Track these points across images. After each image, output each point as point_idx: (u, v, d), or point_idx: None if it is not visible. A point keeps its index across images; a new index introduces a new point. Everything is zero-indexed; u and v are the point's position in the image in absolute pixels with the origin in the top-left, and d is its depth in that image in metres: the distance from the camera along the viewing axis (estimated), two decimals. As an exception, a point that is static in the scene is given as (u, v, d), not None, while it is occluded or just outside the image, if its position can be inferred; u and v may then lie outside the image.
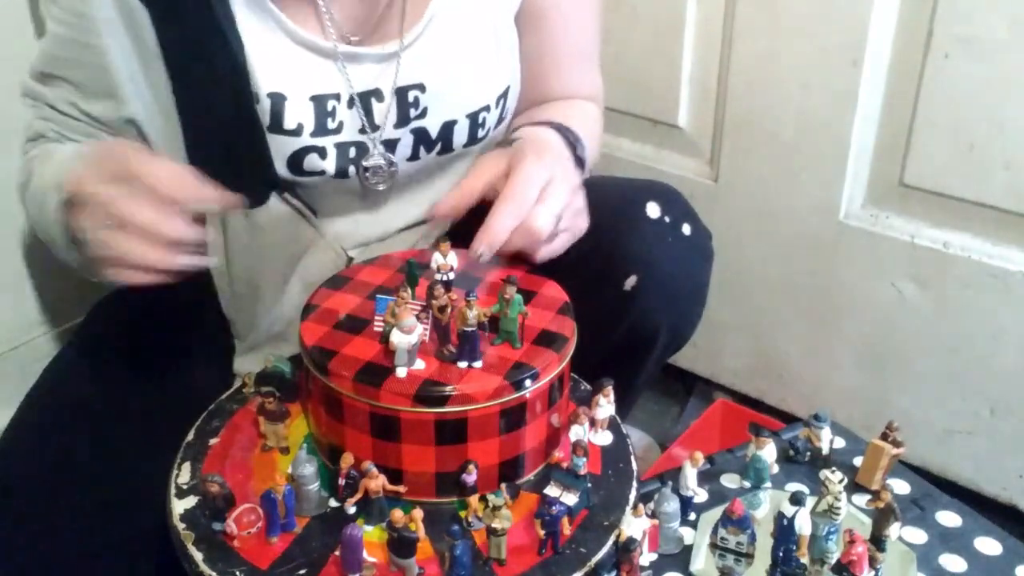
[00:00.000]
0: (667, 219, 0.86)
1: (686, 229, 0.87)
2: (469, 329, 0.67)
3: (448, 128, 0.88)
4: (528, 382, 0.68)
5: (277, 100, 0.81)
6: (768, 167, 1.25)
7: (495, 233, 0.73)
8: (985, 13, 1.02)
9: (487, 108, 0.89)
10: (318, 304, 0.76)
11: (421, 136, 0.88)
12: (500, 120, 0.93)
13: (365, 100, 0.85)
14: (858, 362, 1.28)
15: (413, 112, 0.87)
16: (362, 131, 0.85)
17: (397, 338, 0.66)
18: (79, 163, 0.72)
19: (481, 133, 0.90)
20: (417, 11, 0.86)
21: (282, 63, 0.81)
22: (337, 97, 0.84)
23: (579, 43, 0.97)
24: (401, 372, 0.67)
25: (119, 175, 0.67)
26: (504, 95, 0.91)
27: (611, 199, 0.87)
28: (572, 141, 0.87)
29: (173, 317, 0.93)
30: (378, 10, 0.85)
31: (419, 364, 0.68)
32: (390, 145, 0.87)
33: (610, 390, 0.79)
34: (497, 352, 0.70)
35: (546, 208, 0.75)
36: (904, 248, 1.17)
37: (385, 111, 0.85)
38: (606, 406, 0.79)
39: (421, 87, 0.86)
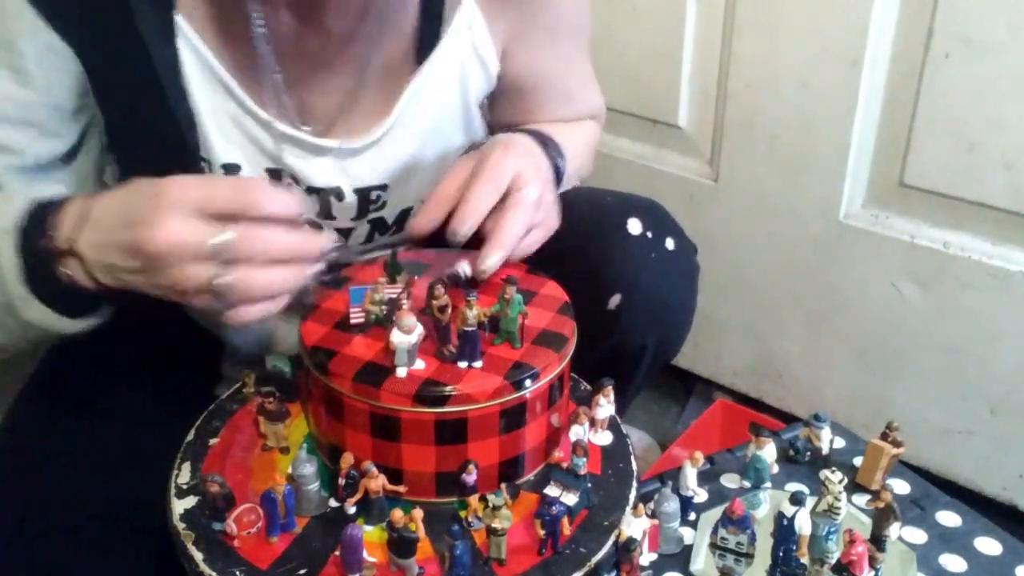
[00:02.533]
0: (649, 235, 0.85)
1: (669, 244, 0.86)
2: (469, 329, 0.67)
3: (405, 214, 0.88)
4: (528, 382, 0.68)
5: (232, 171, 0.79)
6: (768, 167, 1.25)
7: (473, 209, 0.71)
8: (985, 13, 1.02)
9: None
10: (318, 304, 0.76)
11: (377, 224, 0.88)
12: None
13: (324, 195, 0.83)
14: (858, 362, 1.28)
15: (372, 208, 0.86)
16: (319, 215, 0.84)
17: (397, 338, 0.66)
18: (92, 229, 0.63)
19: None
20: (383, 107, 0.82)
21: (238, 135, 0.79)
22: (295, 179, 0.82)
23: (573, 85, 0.95)
24: (401, 372, 0.67)
25: (225, 215, 0.60)
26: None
27: (592, 215, 0.85)
28: (545, 143, 0.84)
29: (163, 317, 0.92)
30: (337, 101, 0.82)
31: (419, 364, 0.68)
32: (344, 232, 0.86)
33: (610, 390, 0.79)
34: (497, 352, 0.70)
35: (524, 192, 0.73)
36: (904, 248, 1.17)
37: (345, 208, 0.84)
38: (606, 406, 0.79)
39: (384, 187, 0.85)
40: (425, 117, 0.85)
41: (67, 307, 0.66)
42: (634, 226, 0.84)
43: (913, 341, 1.21)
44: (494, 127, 0.96)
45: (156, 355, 0.90)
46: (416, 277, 0.77)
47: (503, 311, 0.70)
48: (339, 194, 0.83)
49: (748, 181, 1.28)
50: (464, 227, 0.71)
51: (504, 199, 0.73)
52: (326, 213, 0.84)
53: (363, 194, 0.84)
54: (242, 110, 0.78)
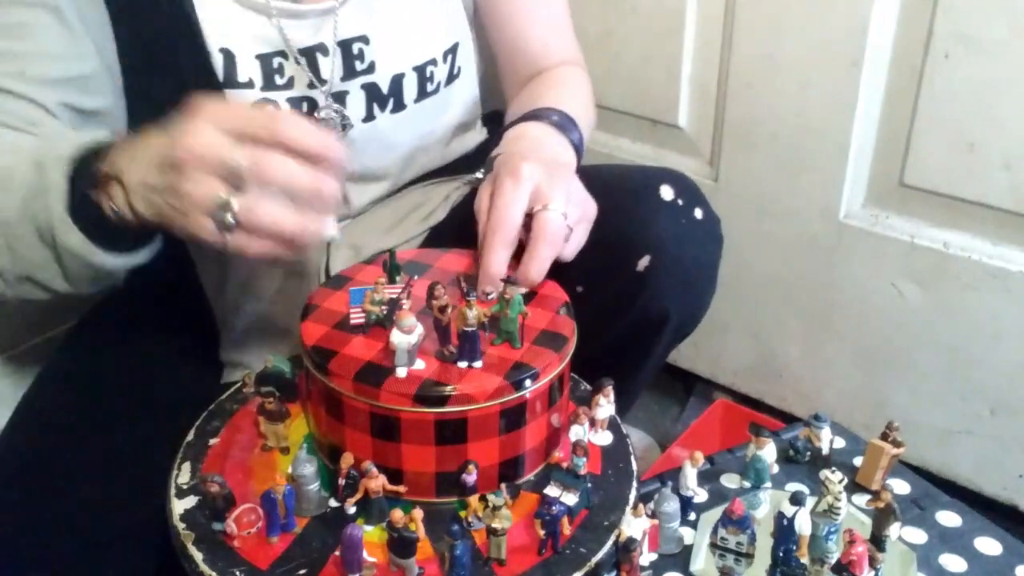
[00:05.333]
0: (680, 202, 0.86)
1: (698, 213, 0.87)
2: (469, 329, 0.67)
3: (397, 82, 0.90)
4: (528, 382, 0.68)
5: (228, 56, 0.83)
6: (768, 167, 1.25)
7: (491, 273, 0.74)
8: (985, 13, 1.02)
9: (433, 62, 0.91)
10: (318, 304, 0.76)
11: (372, 92, 0.89)
12: (452, 78, 0.95)
13: (310, 55, 0.86)
14: (858, 362, 1.28)
15: (359, 65, 0.88)
16: (311, 86, 0.86)
17: (397, 338, 0.66)
18: (129, 149, 0.65)
19: (430, 88, 0.92)
20: None
21: (227, 21, 0.83)
22: (283, 54, 0.85)
23: (551, 9, 1.01)
24: (401, 372, 0.67)
25: (248, 135, 0.61)
26: (452, 51, 0.93)
27: (625, 182, 0.87)
28: (561, 124, 0.88)
29: (160, 315, 0.93)
30: None
31: (419, 364, 0.68)
32: (340, 99, 0.88)
33: (610, 390, 0.79)
34: (497, 352, 0.70)
35: (549, 211, 0.75)
36: (904, 248, 1.17)
37: (331, 64, 0.86)
38: (606, 406, 0.79)
39: (364, 39, 0.87)
40: None
41: (105, 242, 0.67)
42: (666, 192, 0.85)
43: (913, 341, 1.21)
44: (485, 52, 1.00)
45: (156, 354, 0.90)
46: (415, 277, 0.78)
47: (503, 311, 0.70)
48: (323, 49, 0.86)
49: (748, 181, 1.28)
50: (494, 291, 0.74)
51: (531, 220, 0.76)
52: (315, 72, 0.86)
53: (345, 47, 0.87)
54: None
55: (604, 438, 0.79)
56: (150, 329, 0.92)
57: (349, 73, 0.88)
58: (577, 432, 0.76)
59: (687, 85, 1.30)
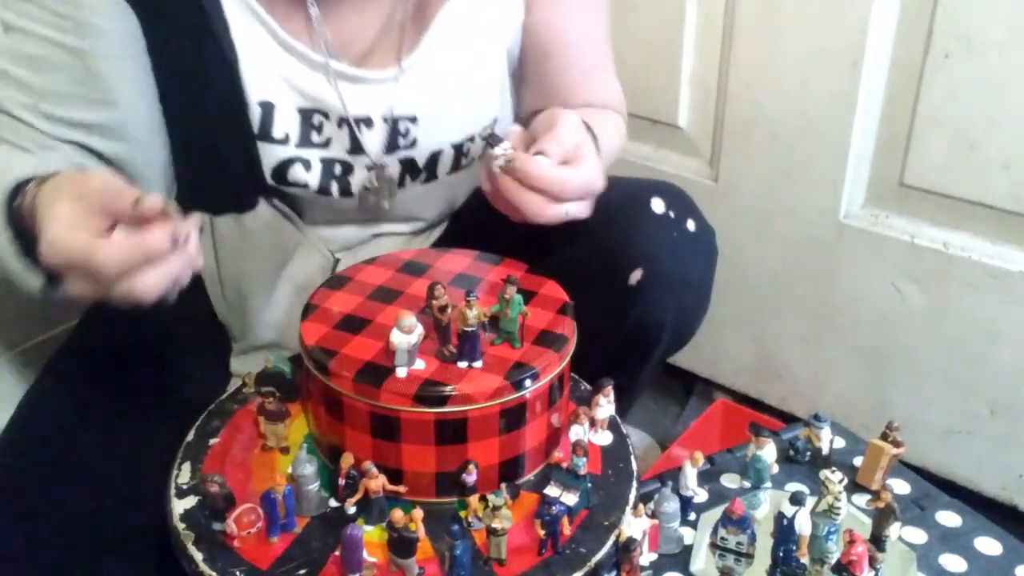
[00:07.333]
0: (672, 214, 0.86)
1: (691, 225, 0.87)
2: (469, 329, 0.67)
3: (434, 158, 0.89)
4: (528, 382, 0.68)
5: (267, 108, 0.81)
6: (768, 167, 1.25)
7: (562, 141, 0.73)
8: (985, 13, 1.02)
9: (472, 139, 0.90)
10: (318, 304, 0.76)
11: (408, 165, 0.89)
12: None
13: (356, 125, 0.85)
14: (858, 362, 1.28)
15: (403, 141, 0.87)
16: (350, 152, 0.86)
17: (397, 338, 0.66)
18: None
19: (464, 162, 0.92)
20: (414, 38, 0.86)
21: (273, 72, 0.81)
22: (326, 114, 0.84)
23: (592, 60, 0.98)
24: (401, 372, 0.67)
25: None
26: (491, 125, 0.92)
27: (616, 195, 0.86)
28: (589, 129, 0.86)
29: (170, 319, 0.93)
30: (372, 32, 0.85)
31: (419, 364, 0.68)
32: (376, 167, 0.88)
33: (610, 390, 0.79)
34: (497, 352, 0.70)
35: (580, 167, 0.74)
36: (904, 248, 1.17)
37: (375, 138, 0.86)
38: (606, 406, 0.79)
39: (413, 119, 0.86)
40: (454, 50, 0.87)
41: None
42: (657, 205, 0.85)
43: (913, 341, 1.21)
44: (522, 114, 0.97)
45: (159, 356, 0.90)
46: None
47: (503, 311, 0.70)
48: (368, 122, 0.85)
49: (748, 181, 1.28)
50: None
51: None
52: (356, 145, 0.85)
53: (392, 124, 0.86)
54: (276, 42, 0.81)
55: (604, 438, 0.79)
56: (153, 330, 0.92)
57: (391, 148, 0.87)
58: (577, 432, 0.76)
59: (687, 85, 1.30)
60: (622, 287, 0.84)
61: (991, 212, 1.10)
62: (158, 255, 0.61)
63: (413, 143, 0.87)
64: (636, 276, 0.84)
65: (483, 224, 0.83)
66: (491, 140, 0.73)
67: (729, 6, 1.21)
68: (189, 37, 0.78)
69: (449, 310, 0.69)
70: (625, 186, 0.89)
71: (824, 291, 1.27)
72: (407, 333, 0.66)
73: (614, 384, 0.80)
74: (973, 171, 1.09)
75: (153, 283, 0.62)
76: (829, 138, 1.18)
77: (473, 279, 0.79)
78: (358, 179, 0.87)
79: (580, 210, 0.75)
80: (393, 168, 0.88)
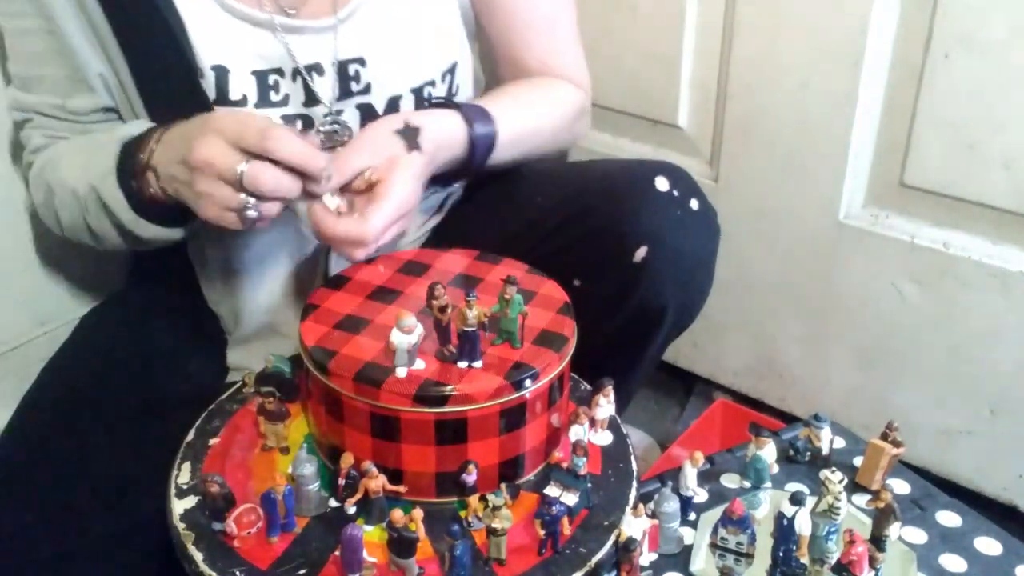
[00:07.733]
0: (676, 193, 0.87)
1: (694, 204, 0.88)
2: (469, 329, 0.67)
3: (394, 104, 0.90)
4: (528, 382, 0.69)
5: (221, 73, 0.83)
6: (768, 167, 1.25)
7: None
8: (985, 13, 1.02)
9: (431, 83, 0.91)
10: (318, 304, 0.76)
11: (367, 112, 0.89)
12: (450, 97, 0.94)
13: (307, 73, 0.86)
14: (858, 362, 1.27)
15: (355, 86, 0.88)
16: (306, 104, 0.87)
17: (397, 338, 0.66)
18: (164, 146, 0.76)
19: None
20: None
21: (222, 36, 0.83)
22: (279, 71, 0.85)
23: (541, 19, 0.99)
24: (401, 372, 0.67)
25: (244, 147, 0.71)
26: (451, 71, 0.92)
27: (620, 174, 0.88)
28: (470, 118, 0.87)
29: (166, 316, 0.93)
30: None
31: (419, 364, 0.68)
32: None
33: (610, 390, 0.79)
34: (497, 352, 0.70)
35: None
36: (904, 248, 1.17)
37: (327, 85, 0.87)
38: (606, 406, 0.79)
39: (361, 61, 0.87)
40: None
41: (149, 215, 0.80)
42: (661, 183, 0.86)
43: (913, 341, 1.21)
44: (484, 62, 0.99)
45: (159, 355, 0.90)
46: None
47: (503, 311, 0.70)
48: (319, 69, 0.86)
49: (748, 181, 1.28)
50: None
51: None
52: (309, 94, 0.86)
53: (342, 67, 0.87)
54: (220, 6, 0.83)
55: (604, 438, 0.79)
56: (153, 330, 0.92)
57: (344, 94, 0.87)
58: (577, 432, 0.76)
59: (687, 85, 1.30)
60: (627, 264, 0.85)
61: (991, 212, 1.10)
62: (314, 169, 0.72)
63: (367, 88, 0.88)
64: (641, 253, 0.84)
65: (485, 209, 0.83)
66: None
67: (729, 6, 1.21)
68: (137, 10, 0.81)
69: (449, 310, 0.69)
70: (629, 166, 0.91)
71: (824, 291, 1.27)
72: (407, 333, 0.66)
73: (615, 375, 0.80)
74: (973, 171, 1.09)
75: (276, 182, 0.71)
76: (829, 138, 1.18)
77: (473, 279, 0.79)
78: (327, 127, 0.88)
79: (394, 232, 0.80)
80: (352, 116, 0.89)
